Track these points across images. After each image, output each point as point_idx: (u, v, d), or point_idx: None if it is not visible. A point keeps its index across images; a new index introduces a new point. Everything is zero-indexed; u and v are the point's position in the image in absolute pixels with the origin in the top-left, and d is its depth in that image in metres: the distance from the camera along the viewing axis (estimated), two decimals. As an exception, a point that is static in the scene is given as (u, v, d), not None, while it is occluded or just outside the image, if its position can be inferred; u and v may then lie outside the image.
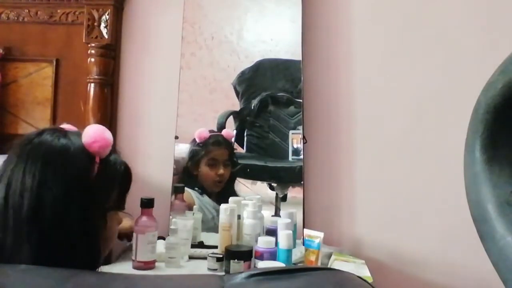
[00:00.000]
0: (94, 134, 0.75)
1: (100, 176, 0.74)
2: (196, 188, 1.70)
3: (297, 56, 1.71)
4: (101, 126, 0.77)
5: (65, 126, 0.81)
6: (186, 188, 1.68)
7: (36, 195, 0.69)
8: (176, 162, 1.73)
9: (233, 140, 1.75)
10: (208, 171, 1.72)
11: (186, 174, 1.73)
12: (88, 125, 0.79)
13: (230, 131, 1.75)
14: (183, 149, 1.74)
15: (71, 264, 0.67)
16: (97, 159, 0.74)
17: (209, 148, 1.73)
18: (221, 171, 1.71)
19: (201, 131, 1.72)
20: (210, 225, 1.65)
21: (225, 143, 1.74)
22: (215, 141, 1.73)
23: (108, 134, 0.76)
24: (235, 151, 1.76)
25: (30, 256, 0.68)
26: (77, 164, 0.73)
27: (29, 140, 0.74)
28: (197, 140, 1.72)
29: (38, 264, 0.66)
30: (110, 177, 0.77)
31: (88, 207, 0.72)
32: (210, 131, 1.73)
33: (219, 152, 1.73)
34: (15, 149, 0.74)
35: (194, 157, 1.73)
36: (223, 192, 1.71)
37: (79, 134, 0.76)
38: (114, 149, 0.80)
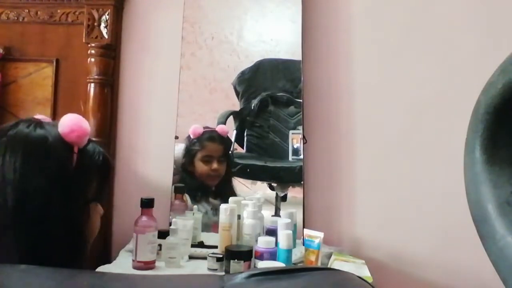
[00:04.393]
0: (71, 123, 0.73)
1: (79, 167, 0.73)
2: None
3: (297, 56, 1.71)
4: (77, 115, 0.76)
5: (39, 116, 0.79)
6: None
7: (18, 188, 0.68)
8: (176, 162, 1.73)
9: (229, 136, 1.76)
10: (203, 167, 1.73)
11: (182, 171, 1.73)
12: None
13: (225, 127, 1.75)
14: (182, 149, 1.74)
15: (57, 257, 0.68)
16: (76, 149, 0.73)
17: (204, 144, 1.74)
18: (215, 166, 1.72)
19: (195, 127, 1.73)
20: (204, 221, 1.65)
21: (219, 138, 1.74)
22: (209, 136, 1.74)
23: (85, 124, 0.75)
24: (235, 150, 1.76)
25: (17, 249, 0.68)
26: (57, 154, 0.72)
27: (3, 132, 0.73)
28: (192, 136, 1.73)
29: (25, 257, 0.66)
30: (88, 167, 0.76)
31: (69, 199, 0.71)
32: (205, 127, 1.74)
33: (213, 148, 1.74)
34: None
35: (189, 153, 1.74)
36: (220, 188, 1.72)
37: (55, 125, 0.75)
38: (90, 139, 0.79)
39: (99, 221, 0.81)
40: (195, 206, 1.66)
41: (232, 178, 1.73)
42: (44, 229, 0.69)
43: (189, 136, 1.74)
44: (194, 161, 1.73)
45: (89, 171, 0.76)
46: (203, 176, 1.73)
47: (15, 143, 0.71)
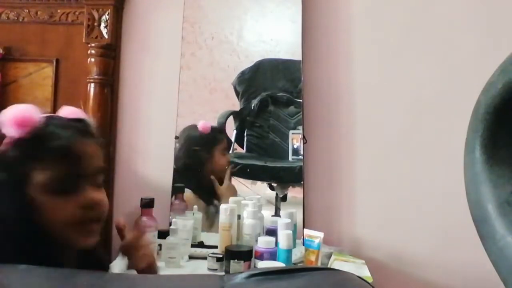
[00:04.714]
0: (10, 113, 0.74)
1: (18, 157, 0.74)
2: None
3: (297, 56, 1.71)
4: (24, 106, 0.76)
5: (68, 110, 0.81)
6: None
7: None
8: (176, 162, 1.73)
9: (229, 135, 1.78)
10: (221, 158, 1.75)
11: (193, 158, 1.74)
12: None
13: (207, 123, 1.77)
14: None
15: (15, 254, 0.69)
16: (8, 139, 0.75)
17: (222, 137, 1.75)
18: (229, 157, 1.75)
19: (205, 123, 1.74)
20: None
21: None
22: (220, 131, 1.76)
23: (23, 113, 0.75)
24: (235, 150, 1.76)
25: None
26: None
27: None
28: (202, 131, 1.73)
29: None
30: (32, 156, 0.75)
31: (6, 190, 0.73)
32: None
33: (225, 141, 1.77)
34: None
35: (208, 143, 1.74)
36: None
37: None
38: (65, 126, 0.78)
39: (69, 211, 0.76)
40: (195, 206, 1.66)
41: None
42: None
43: (195, 129, 1.74)
44: (214, 152, 1.74)
45: (31, 160, 0.75)
46: (218, 167, 1.74)
47: None
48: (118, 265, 0.88)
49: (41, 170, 0.74)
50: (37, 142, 0.75)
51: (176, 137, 1.74)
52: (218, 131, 1.75)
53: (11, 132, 0.74)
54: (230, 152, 1.76)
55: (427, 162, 1.68)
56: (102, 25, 1.79)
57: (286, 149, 1.71)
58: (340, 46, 1.76)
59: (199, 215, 1.63)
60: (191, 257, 1.51)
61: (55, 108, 1.83)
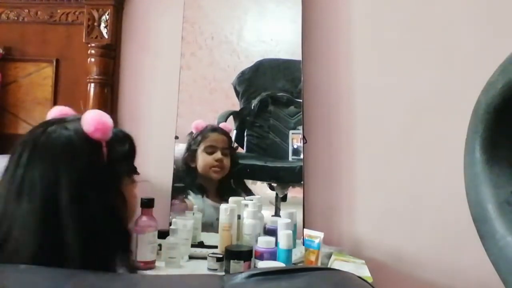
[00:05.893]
0: (93, 121, 0.73)
1: (109, 158, 0.75)
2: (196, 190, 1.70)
3: (297, 56, 1.71)
4: (98, 111, 0.76)
5: (64, 110, 0.81)
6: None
7: (51, 196, 0.68)
8: (176, 162, 1.73)
9: (232, 134, 1.75)
10: (206, 158, 1.70)
11: (184, 169, 1.72)
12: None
13: (227, 124, 1.75)
14: (183, 149, 1.74)
15: (106, 249, 0.70)
16: (103, 144, 0.75)
17: (207, 134, 1.72)
18: (219, 155, 1.69)
19: (199, 122, 1.72)
20: (210, 229, 1.64)
21: (222, 131, 1.73)
22: (212, 128, 1.73)
23: (106, 118, 0.75)
24: (237, 149, 1.76)
25: (68, 250, 0.67)
26: (85, 155, 0.72)
27: (33, 139, 0.73)
28: (194, 131, 1.72)
29: (78, 255, 0.67)
30: (118, 156, 0.79)
31: (104, 191, 0.73)
32: (208, 124, 1.75)
33: (217, 138, 1.72)
34: (20, 147, 0.72)
35: (191, 146, 1.72)
36: (223, 186, 1.71)
37: (79, 121, 0.74)
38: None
39: (135, 195, 0.87)
40: (195, 206, 1.66)
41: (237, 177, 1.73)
42: (89, 228, 0.69)
43: (191, 132, 1.73)
44: (197, 155, 1.71)
45: (119, 159, 0.79)
46: (206, 170, 1.70)
47: (44, 150, 0.72)
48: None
49: (123, 166, 0.82)
50: (117, 141, 0.80)
51: (176, 137, 1.74)
52: (209, 130, 1.73)
53: (100, 139, 0.75)
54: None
55: (427, 162, 1.68)
56: (102, 25, 1.79)
57: (286, 149, 1.71)
58: (340, 46, 1.76)
59: (199, 215, 1.63)
60: (191, 257, 1.51)
61: (55, 108, 1.84)
